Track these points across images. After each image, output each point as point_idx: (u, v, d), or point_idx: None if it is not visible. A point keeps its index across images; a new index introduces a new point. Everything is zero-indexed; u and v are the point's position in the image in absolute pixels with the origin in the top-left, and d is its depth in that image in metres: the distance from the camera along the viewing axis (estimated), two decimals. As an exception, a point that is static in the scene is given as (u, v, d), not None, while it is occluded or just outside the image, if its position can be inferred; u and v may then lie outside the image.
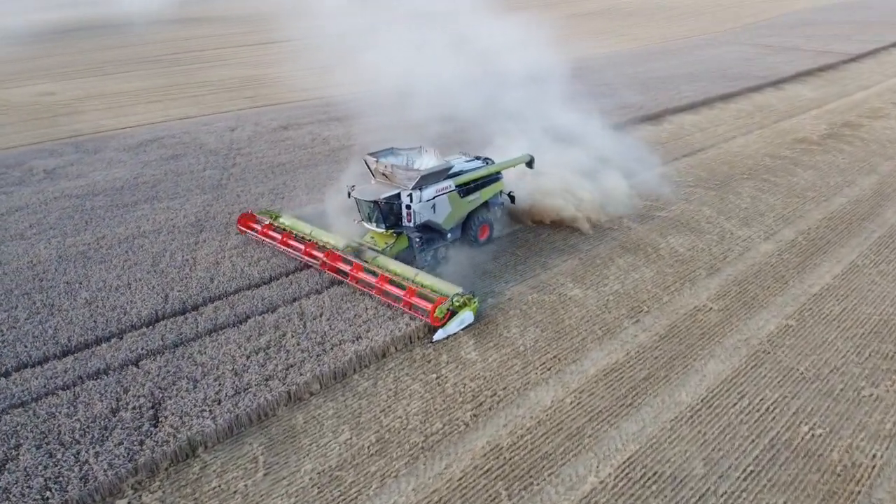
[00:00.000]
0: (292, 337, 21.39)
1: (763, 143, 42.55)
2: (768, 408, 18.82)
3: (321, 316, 22.45)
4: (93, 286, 24.51)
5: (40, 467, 16.33)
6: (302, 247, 25.89)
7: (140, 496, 16.00)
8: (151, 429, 17.57)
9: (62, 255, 27.06)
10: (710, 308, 23.84)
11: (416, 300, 22.16)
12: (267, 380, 19.42)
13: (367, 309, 22.79)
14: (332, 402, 19.06)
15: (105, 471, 16.17)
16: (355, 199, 24.48)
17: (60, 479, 15.96)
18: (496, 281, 25.61)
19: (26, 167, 37.78)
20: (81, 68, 69.76)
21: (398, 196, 23.98)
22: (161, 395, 18.81)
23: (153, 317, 22.65)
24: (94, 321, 22.23)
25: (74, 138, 44.33)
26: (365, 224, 25.06)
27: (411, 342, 21.69)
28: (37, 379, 19.47)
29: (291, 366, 20.00)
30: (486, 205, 27.42)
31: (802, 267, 26.58)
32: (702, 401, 19.17)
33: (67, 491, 15.59)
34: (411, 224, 24.36)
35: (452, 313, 21.94)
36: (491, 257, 27.46)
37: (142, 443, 17.06)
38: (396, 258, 24.70)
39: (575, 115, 42.50)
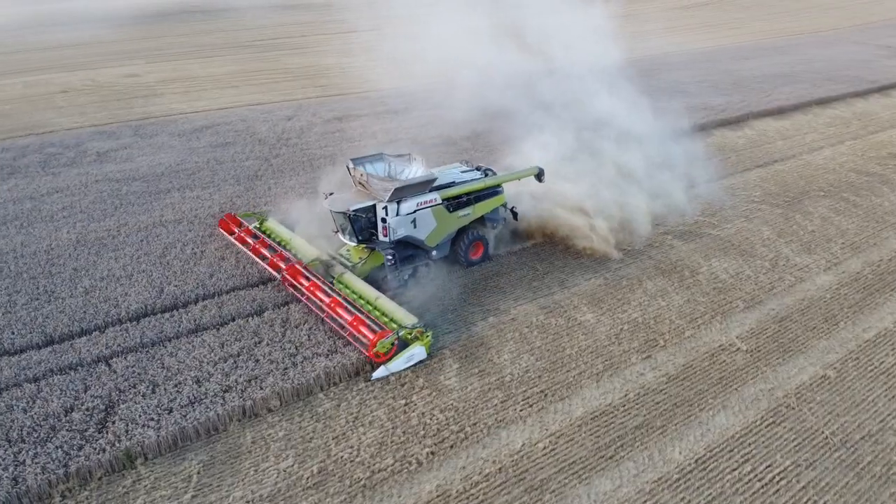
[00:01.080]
0: (267, 345, 20.41)
1: (852, 155, 37.81)
2: (774, 477, 16.06)
3: (304, 324, 21.35)
4: (96, 275, 24.53)
5: (-23, 463, 16.10)
6: (270, 256, 24.04)
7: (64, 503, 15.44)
8: (95, 434, 17.04)
9: (80, 241, 27.39)
10: (738, 348, 20.91)
11: (363, 330, 19.88)
12: (225, 391, 18.51)
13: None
14: (286, 423, 17.89)
15: (37, 474, 15.73)
16: (328, 208, 22.81)
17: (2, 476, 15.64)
18: (504, 297, 23.63)
19: (82, 148, 38.98)
20: (173, 51, 72.17)
21: (373, 208, 22.17)
22: (117, 398, 18.30)
23: (141, 311, 22.31)
24: (85, 312, 22.14)
25: (141, 120, 45.40)
26: (339, 236, 23.43)
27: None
28: (10, 368, 19.46)
29: (255, 378, 18.99)
30: (482, 220, 25.22)
31: (861, 306, 22.96)
32: (696, 461, 16.62)
33: (-9, 493, 15.23)
34: (387, 239, 22.55)
35: (402, 347, 19.78)
36: (507, 269, 25.49)
37: (81, 448, 16.53)
38: (370, 276, 23.11)
39: (645, 114, 39.45)
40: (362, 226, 22.23)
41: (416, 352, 19.72)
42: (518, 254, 26.70)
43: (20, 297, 23.13)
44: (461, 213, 24.11)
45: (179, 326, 21.47)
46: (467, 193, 24.09)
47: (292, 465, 16.50)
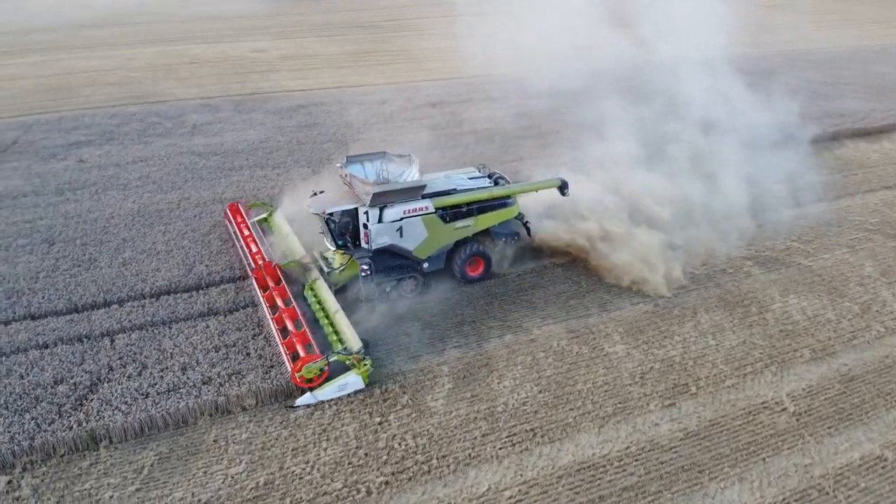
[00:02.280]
0: (264, 339, 19.81)
1: None
2: (773, 583, 13.15)
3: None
4: (139, 248, 25.17)
5: (-41, 425, 16.75)
6: (253, 252, 22.96)
7: (23, 477, 15.62)
8: (70, 410, 17.21)
9: (140, 211, 28.32)
10: (784, 408, 17.65)
11: (300, 348, 18.24)
12: (204, 383, 18.10)
13: (358, 323, 20.36)
14: (254, 425, 17.17)
15: (3, 444, 16.07)
16: (305, 208, 21.47)
17: (-34, 441, 16.16)
18: (532, 314, 21.56)
19: (181, 120, 40.66)
20: (300, 29, 74.12)
21: (354, 212, 20.74)
22: (105, 376, 18.43)
23: (164, 289, 22.53)
24: (113, 284, 22.69)
25: (247, 95, 46.67)
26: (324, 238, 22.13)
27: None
28: (25, 332, 20.25)
29: (237, 373, 18.43)
30: (487, 233, 23.01)
31: (960, 378, 18.66)
32: (682, 543, 14.02)
33: (-41, 455, 15.72)
34: (369, 246, 21.03)
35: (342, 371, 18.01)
36: (546, 282, 23.33)
37: (52, 422, 16.74)
38: (347, 284, 21.68)
39: (766, 116, 35.27)
40: (340, 230, 20.90)
41: (351, 381, 17.85)
42: (565, 266, 24.35)
43: (64, 263, 24.15)
44: (459, 224, 22.07)
45: (192, 308, 21.43)
46: (468, 203, 22.07)
47: (241, 473, 15.75)
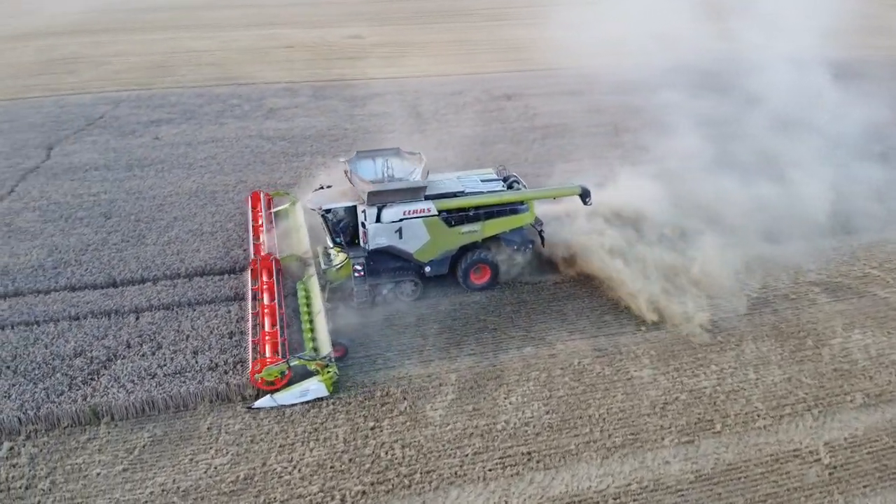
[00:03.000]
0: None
1: None
2: None
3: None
4: (186, 227, 25.79)
5: (-18, 387, 17.63)
6: (258, 243, 22.85)
7: (24, 445, 16.21)
8: (80, 383, 17.73)
9: (197, 191, 29.07)
10: (819, 459, 15.70)
11: (268, 348, 17.90)
12: (211, 369, 18.20)
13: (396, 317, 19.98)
14: (250, 417, 17.04)
15: (12, 410, 16.75)
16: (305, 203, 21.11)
17: (-18, 404, 16.97)
18: (560, 326, 20.36)
19: (259, 103, 41.55)
20: (401, 16, 74.30)
21: (353, 210, 20.15)
22: (121, 353, 18.89)
23: (199, 270, 22.93)
24: (153, 262, 23.33)
25: (330, 81, 47.05)
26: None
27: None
28: (61, 303, 21.13)
29: (242, 361, 18.40)
30: (496, 240, 21.74)
31: None
32: None
33: (-28, 417, 16.51)
34: (366, 246, 20.30)
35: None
36: (584, 292, 21.97)
37: (61, 394, 17.30)
38: (343, 283, 21.03)
39: (862, 127, 32.10)
40: (337, 227, 20.26)
41: (313, 388, 17.15)
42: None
43: (114, 237, 25.10)
44: (465, 228, 20.98)
45: (219, 292, 21.69)
46: (475, 207, 20.92)
47: (225, 464, 15.66)
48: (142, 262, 23.33)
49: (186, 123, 37.83)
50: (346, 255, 20.60)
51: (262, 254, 21.85)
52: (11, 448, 16.08)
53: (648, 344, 19.66)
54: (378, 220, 19.97)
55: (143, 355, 18.78)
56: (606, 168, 27.76)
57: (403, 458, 15.80)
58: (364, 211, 19.85)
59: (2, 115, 39.59)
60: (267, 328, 18.60)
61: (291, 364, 17.26)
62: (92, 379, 17.94)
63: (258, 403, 17.09)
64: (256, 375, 17.07)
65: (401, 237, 20.28)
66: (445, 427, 16.67)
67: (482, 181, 22.06)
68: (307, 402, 17.25)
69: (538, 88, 44.80)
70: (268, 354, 17.70)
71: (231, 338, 19.45)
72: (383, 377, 18.28)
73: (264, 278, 20.72)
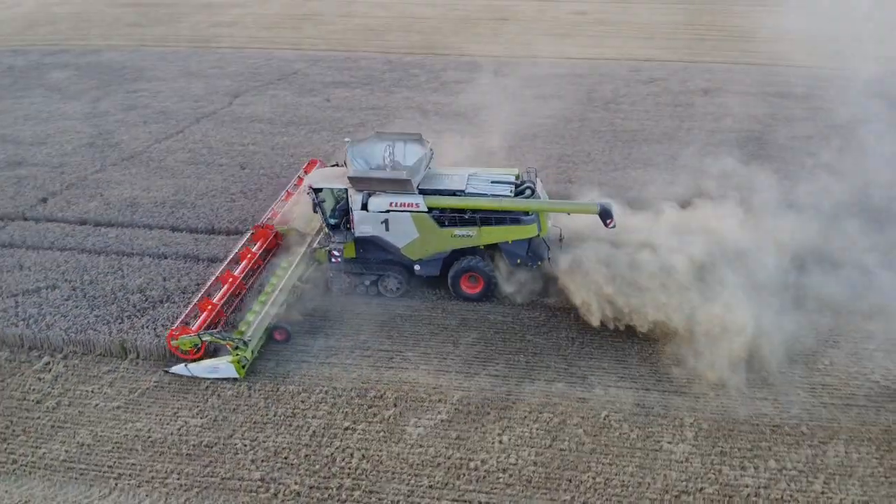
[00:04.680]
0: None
1: None
2: None
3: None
4: (258, 187, 26.71)
5: (54, 299, 19.77)
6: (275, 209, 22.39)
7: (58, 363, 17.83)
8: (126, 318, 19.07)
9: (330, 155, 29.68)
10: None
11: (200, 317, 17.66)
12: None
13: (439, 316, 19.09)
14: (245, 386, 16.98)
15: (63, 328, 18.55)
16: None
17: (47, 316, 19.03)
18: (610, 368, 17.50)
19: (437, 75, 41.24)
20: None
21: (345, 193, 19.27)
22: (174, 297, 19.99)
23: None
24: (249, 215, 24.33)
25: (523, 58, 45.35)
26: None
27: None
28: (157, 241, 23.01)
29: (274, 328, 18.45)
30: (495, 248, 19.37)
31: None
32: None
33: (29, 325, 18.59)
34: (353, 233, 19.26)
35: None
36: (656, 334, 18.61)
37: (107, 323, 18.75)
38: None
39: None
40: (325, 208, 19.45)
41: (223, 367, 16.75)
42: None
43: (235, 187, 26.66)
44: (458, 231, 18.91)
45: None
46: (472, 210, 18.70)
47: (197, 426, 15.86)
48: (240, 215, 24.53)
49: (361, 88, 39.03)
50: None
51: (264, 223, 21.61)
52: (47, 363, 17.84)
53: (705, 414, 16.07)
54: (364, 207, 18.92)
55: (187, 304, 19.64)
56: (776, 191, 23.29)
57: (356, 469, 14.69)
58: (351, 196, 19.01)
59: (220, 62, 44.34)
60: (215, 298, 18.54)
61: (203, 339, 17.11)
62: (138, 316, 19.21)
63: (174, 369, 17.22)
64: (173, 342, 17.16)
65: (387, 229, 19.11)
66: (417, 449, 15.17)
67: (492, 182, 19.77)
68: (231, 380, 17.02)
69: (744, 85, 39.15)
70: (195, 324, 17.56)
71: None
72: (389, 377, 17.20)
73: (254, 247, 20.64)
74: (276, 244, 21.35)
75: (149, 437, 15.62)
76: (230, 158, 29.45)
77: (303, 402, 16.51)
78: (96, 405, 16.52)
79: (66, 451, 15.20)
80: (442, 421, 15.90)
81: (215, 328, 17.74)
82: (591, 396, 16.61)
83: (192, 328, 17.26)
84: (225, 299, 18.81)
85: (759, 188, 23.48)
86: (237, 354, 16.79)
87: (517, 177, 20.31)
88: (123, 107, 36.13)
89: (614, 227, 18.80)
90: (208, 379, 17.00)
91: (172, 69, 43.29)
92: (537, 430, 15.63)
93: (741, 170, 25.05)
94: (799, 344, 17.79)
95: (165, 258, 21.97)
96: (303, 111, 35.28)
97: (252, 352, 17.12)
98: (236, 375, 16.90)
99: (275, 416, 16.11)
